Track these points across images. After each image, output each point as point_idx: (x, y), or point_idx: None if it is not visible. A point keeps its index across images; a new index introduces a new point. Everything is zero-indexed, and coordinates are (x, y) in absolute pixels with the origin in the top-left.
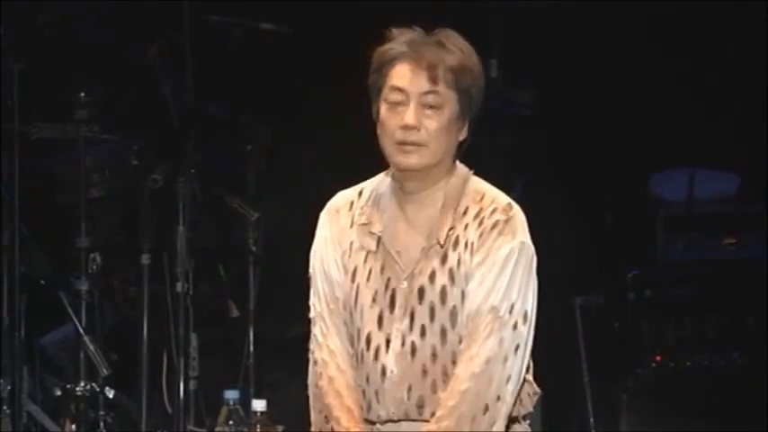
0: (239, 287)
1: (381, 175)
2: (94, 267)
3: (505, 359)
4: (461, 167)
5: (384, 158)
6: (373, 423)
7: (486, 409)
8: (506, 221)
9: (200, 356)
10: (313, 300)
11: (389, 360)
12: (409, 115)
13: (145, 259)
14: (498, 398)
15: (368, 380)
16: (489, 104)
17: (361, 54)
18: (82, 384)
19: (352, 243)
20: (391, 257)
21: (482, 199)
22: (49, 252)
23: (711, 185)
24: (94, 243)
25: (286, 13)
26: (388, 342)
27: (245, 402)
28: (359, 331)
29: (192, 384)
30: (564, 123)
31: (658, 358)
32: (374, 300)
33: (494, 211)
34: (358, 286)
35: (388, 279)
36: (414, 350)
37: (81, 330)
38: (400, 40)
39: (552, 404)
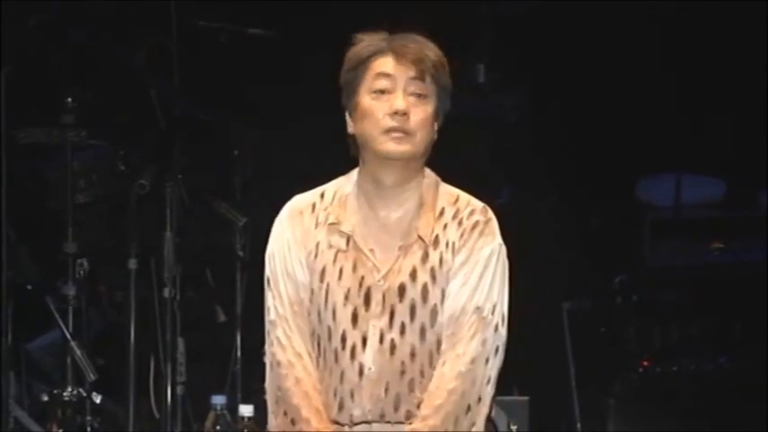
0: (227, 292)
1: (342, 178)
2: (81, 272)
3: (487, 360)
4: (429, 171)
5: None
6: (342, 425)
7: (468, 409)
8: (486, 222)
9: (187, 362)
10: (273, 303)
11: (367, 358)
12: (399, 101)
13: (132, 264)
14: (479, 399)
15: (342, 379)
16: (476, 109)
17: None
18: (69, 389)
19: (318, 243)
20: (364, 255)
21: (457, 201)
22: (36, 257)
23: (698, 190)
24: (82, 248)
25: (274, 17)
26: (364, 340)
27: (232, 407)
28: (330, 330)
29: (179, 389)
30: (551, 128)
31: (645, 363)
32: (347, 298)
33: (472, 212)
34: (328, 285)
35: (362, 277)
36: (393, 348)
37: (68, 335)
38: (375, 38)
39: (539, 408)
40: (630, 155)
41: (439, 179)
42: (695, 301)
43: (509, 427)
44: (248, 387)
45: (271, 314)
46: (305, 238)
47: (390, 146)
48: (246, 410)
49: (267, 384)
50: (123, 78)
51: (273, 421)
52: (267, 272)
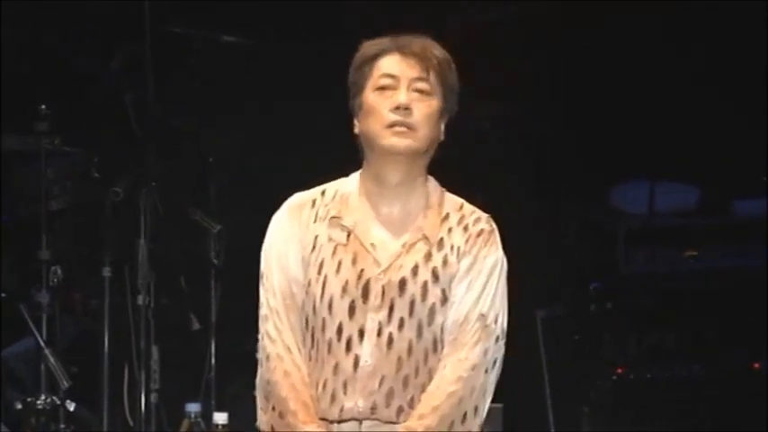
0: (201, 300)
1: (343, 179)
2: (55, 280)
3: (486, 371)
4: (433, 178)
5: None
6: (330, 422)
7: (465, 418)
8: (491, 232)
9: (161, 369)
10: (266, 296)
11: (365, 350)
12: (401, 96)
13: (106, 272)
14: (476, 409)
15: (335, 371)
16: (450, 117)
17: (324, 67)
18: (42, 397)
19: (316, 237)
20: (364, 250)
21: (462, 208)
22: (9, 264)
23: (672, 198)
24: (55, 256)
25: (248, 25)
26: (361, 332)
27: (206, 415)
28: (324, 322)
29: (153, 397)
30: (524, 136)
31: (619, 370)
32: (344, 290)
33: (477, 220)
34: (325, 277)
35: (361, 270)
36: (390, 342)
37: (42, 343)
38: (382, 39)
39: (514, 416)
40: (604, 162)
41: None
42: (669, 308)
43: None
44: (222, 395)
45: (263, 308)
46: (302, 233)
47: (393, 140)
48: (220, 418)
49: (257, 380)
50: (98, 85)
51: (263, 417)
52: (262, 266)
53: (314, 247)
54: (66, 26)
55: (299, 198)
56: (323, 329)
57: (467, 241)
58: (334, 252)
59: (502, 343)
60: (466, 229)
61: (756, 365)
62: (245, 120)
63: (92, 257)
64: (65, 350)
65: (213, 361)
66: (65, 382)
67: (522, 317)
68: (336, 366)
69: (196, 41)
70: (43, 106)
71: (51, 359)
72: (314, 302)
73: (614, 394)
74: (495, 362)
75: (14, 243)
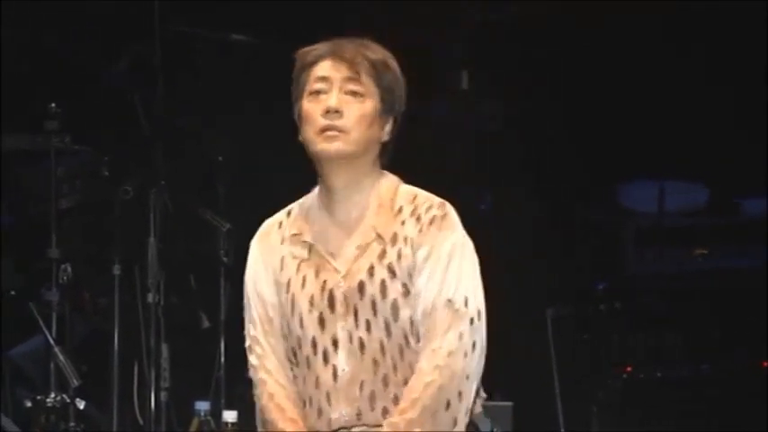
0: (210, 298)
1: (308, 194)
2: (65, 278)
3: (465, 355)
4: (390, 174)
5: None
6: None
7: (448, 405)
8: (443, 217)
9: (171, 367)
10: (247, 326)
11: (340, 359)
12: (331, 99)
13: (116, 270)
14: (460, 394)
15: (317, 384)
16: (460, 115)
17: None
18: (52, 396)
19: (283, 258)
20: (325, 260)
21: (415, 198)
22: (19, 263)
23: (681, 197)
24: (65, 254)
25: (248, 24)
26: (335, 342)
27: (216, 413)
28: (299, 339)
29: (163, 395)
30: (534, 135)
31: (629, 369)
32: (312, 304)
33: (429, 207)
34: (293, 295)
35: (324, 281)
36: (362, 346)
37: (51, 341)
38: (318, 45)
39: (523, 414)
40: (613, 161)
41: (400, 180)
42: (678, 307)
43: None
44: (232, 393)
45: (246, 339)
46: (270, 256)
47: (323, 145)
48: (230, 416)
49: (256, 412)
50: (105, 85)
51: None
52: (245, 298)
53: (282, 268)
54: (70, 26)
55: (267, 224)
56: (300, 346)
57: (420, 231)
58: (298, 268)
59: (479, 324)
60: (418, 219)
61: (765, 364)
62: (246, 119)
63: (101, 256)
64: (75, 348)
65: (223, 359)
66: (75, 381)
67: (532, 315)
68: (317, 380)
69: (197, 41)
70: (53, 105)
71: (61, 357)
72: (288, 322)
73: (623, 393)
74: (474, 344)
75: (23, 241)
